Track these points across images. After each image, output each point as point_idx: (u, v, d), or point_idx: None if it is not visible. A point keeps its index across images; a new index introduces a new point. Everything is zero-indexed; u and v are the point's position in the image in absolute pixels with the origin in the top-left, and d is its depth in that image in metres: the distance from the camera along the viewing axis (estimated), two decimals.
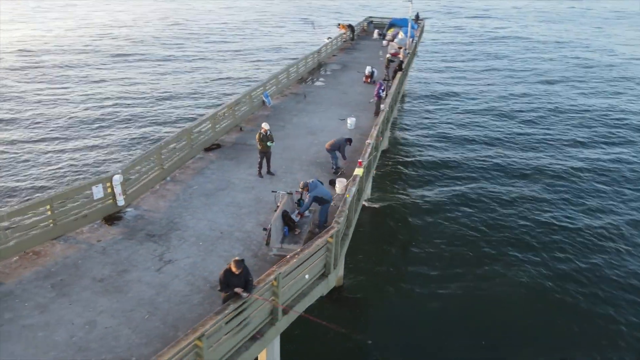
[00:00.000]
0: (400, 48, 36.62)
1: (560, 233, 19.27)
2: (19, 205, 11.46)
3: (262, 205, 14.02)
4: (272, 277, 9.13)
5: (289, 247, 11.48)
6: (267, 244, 11.88)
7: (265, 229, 12.34)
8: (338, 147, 16.00)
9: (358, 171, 13.82)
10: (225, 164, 16.84)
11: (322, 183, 12.81)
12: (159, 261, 11.42)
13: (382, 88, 22.22)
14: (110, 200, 13.18)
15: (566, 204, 21.64)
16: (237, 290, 8.49)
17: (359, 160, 14.37)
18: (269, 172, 15.97)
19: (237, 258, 8.51)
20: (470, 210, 20.89)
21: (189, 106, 33.37)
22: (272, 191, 13.84)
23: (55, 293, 10.26)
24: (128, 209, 13.58)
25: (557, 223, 19.99)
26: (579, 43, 61.09)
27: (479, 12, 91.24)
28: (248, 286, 8.60)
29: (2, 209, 11.68)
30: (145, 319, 9.61)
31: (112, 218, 13.09)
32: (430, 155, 26.74)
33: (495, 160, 26.01)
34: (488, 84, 41.89)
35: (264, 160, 15.79)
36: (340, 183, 14.77)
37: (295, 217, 12.35)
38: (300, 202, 13.07)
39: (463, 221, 20.07)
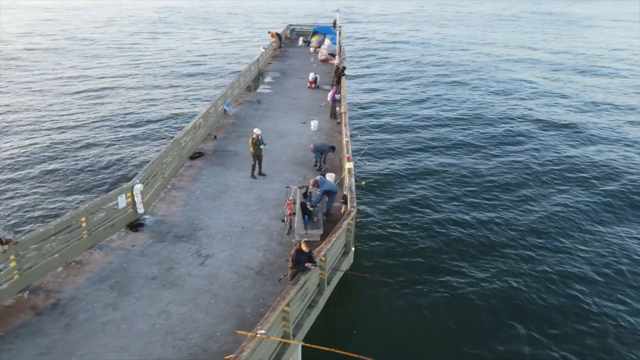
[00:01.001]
0: (330, 54, 39.49)
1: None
2: (61, 218, 12.13)
3: (267, 203, 15.71)
4: (322, 252, 11.07)
5: (312, 232, 13.42)
6: (288, 233, 13.72)
7: (283, 220, 14.17)
8: (322, 150, 18.09)
9: (349, 164, 16.04)
10: (215, 169, 18.18)
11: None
12: (198, 257, 12.76)
13: (337, 92, 24.60)
14: (131, 209, 14.12)
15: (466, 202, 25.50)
16: (308, 264, 10.35)
17: (347, 156, 16.62)
18: (260, 173, 17.63)
19: (305, 239, 10.37)
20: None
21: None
22: (286, 187, 15.61)
23: (117, 293, 11.27)
24: (146, 216, 14.57)
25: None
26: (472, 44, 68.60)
27: (377, 18, 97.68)
28: (312, 260, 10.48)
29: (49, 222, 12.23)
30: (211, 303, 11.05)
31: (135, 225, 14.05)
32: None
33: (407, 164, 29.30)
34: (401, 88, 46.04)
35: (256, 163, 17.42)
36: (330, 177, 16.89)
37: (308, 207, 14.27)
38: (309, 195, 15.00)
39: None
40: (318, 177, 14.68)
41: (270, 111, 25.53)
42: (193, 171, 17.94)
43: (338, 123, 23.79)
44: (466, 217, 19.86)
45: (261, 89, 30.17)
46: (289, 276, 10.66)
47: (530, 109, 35.49)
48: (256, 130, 17.29)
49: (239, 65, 46.62)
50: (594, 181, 23.44)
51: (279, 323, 9.29)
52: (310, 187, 14.82)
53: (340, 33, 47.24)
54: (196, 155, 19.31)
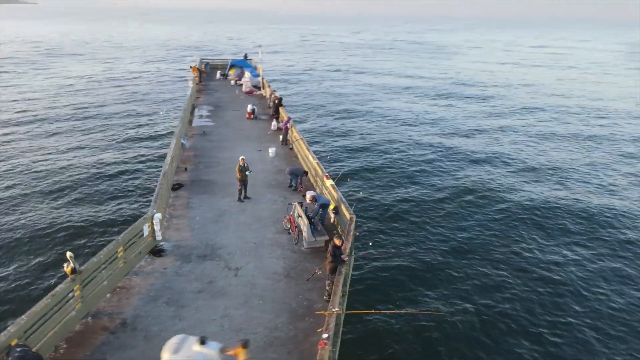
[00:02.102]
0: (254, 86, 42.13)
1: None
2: (107, 247, 13.18)
3: (265, 221, 17.80)
4: (347, 249, 13.66)
5: (319, 239, 15.88)
6: (297, 243, 16.04)
7: (289, 233, 16.48)
8: (297, 174, 20.60)
9: (329, 182, 18.80)
10: (202, 197, 19.74)
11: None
12: (229, 270, 14.54)
13: (289, 120, 27.25)
14: (151, 237, 15.39)
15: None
16: (343, 257, 12.83)
17: (326, 174, 19.38)
18: (245, 196, 19.61)
19: (336, 238, 12.87)
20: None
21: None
22: (289, 203, 17.81)
23: (174, 307, 12.72)
24: (162, 243, 15.88)
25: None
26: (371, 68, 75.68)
27: (269, 48, 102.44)
28: (342, 254, 12.99)
29: (99, 253, 13.12)
30: (261, 304, 12.99)
31: (157, 251, 15.34)
32: None
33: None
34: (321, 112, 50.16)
35: (243, 188, 19.40)
36: (309, 194, 19.44)
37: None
38: (304, 209, 17.43)
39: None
40: (314, 194, 17.23)
41: (223, 142, 27.35)
42: (182, 200, 19.33)
43: (290, 149, 26.46)
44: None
45: (202, 121, 31.71)
46: (328, 270, 13.01)
47: (417, 134, 41.34)
48: (242, 158, 19.33)
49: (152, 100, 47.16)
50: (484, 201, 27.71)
51: (338, 301, 11.64)
52: (308, 201, 17.29)
53: (256, 67, 49.96)
54: (177, 187, 20.65)
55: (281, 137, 27.48)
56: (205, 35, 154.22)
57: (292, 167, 20.93)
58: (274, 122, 30.16)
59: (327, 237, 15.96)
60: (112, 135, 36.96)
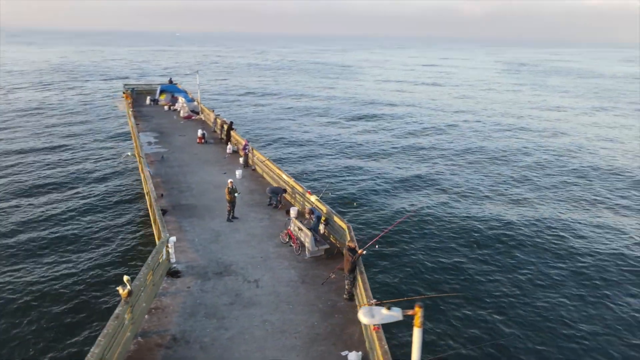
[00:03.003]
0: (192, 111, 42.67)
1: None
2: (142, 271, 13.84)
3: (260, 237, 19.19)
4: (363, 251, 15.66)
5: (321, 248, 17.69)
6: (300, 253, 17.72)
7: (291, 245, 18.09)
8: (277, 192, 22.19)
9: (313, 197, 20.69)
10: (191, 220, 20.57)
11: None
12: (249, 283, 15.81)
13: (248, 144, 28.62)
14: (166, 260, 16.16)
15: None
16: (360, 251, 14.75)
17: (308, 191, 21.25)
18: (234, 217, 20.81)
19: (350, 241, 14.83)
20: None
21: None
22: (287, 218, 19.29)
23: (215, 319, 13.79)
24: (174, 264, 16.66)
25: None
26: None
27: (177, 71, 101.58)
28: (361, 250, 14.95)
29: (138, 277, 13.64)
30: (292, 308, 14.50)
31: (173, 273, 16.13)
32: None
33: None
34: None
35: (232, 208, 20.60)
36: (293, 210, 21.18)
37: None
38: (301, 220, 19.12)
39: None
40: (311, 207, 19.04)
41: (184, 167, 27.99)
42: (173, 225, 20.00)
43: (253, 170, 27.88)
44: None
45: (153, 148, 31.84)
46: (347, 271, 14.84)
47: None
48: (230, 181, 20.57)
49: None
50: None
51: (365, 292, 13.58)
52: (307, 215, 19.03)
53: (187, 92, 50.07)
54: (163, 213, 21.18)
55: (241, 159, 28.75)
56: (112, 60, 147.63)
57: (272, 187, 22.49)
58: (229, 146, 31.30)
59: (327, 246, 17.83)
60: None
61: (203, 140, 33.52)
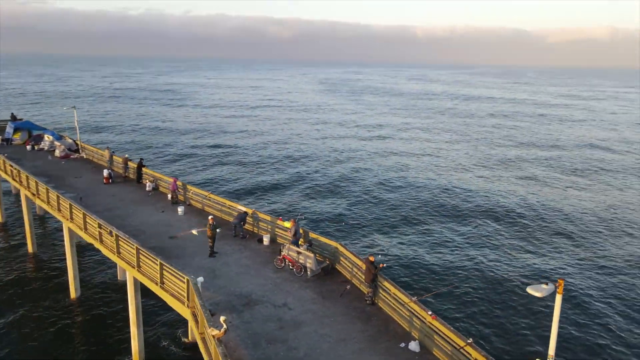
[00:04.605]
0: (69, 149, 39.21)
1: None
2: (201, 311, 14.21)
3: (252, 266, 20.23)
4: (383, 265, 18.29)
5: (321, 266, 19.74)
6: (302, 275, 19.50)
7: (292, 268, 19.72)
8: (241, 218, 23.19)
9: (286, 224, 22.42)
10: (175, 262, 20.24)
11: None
12: (279, 307, 17.03)
13: (176, 180, 28.32)
14: None
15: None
16: (381, 265, 17.42)
17: (279, 217, 22.86)
18: (215, 252, 21.27)
19: (370, 255, 17.44)
20: None
21: None
22: (282, 245, 20.46)
23: (279, 343, 14.94)
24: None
25: None
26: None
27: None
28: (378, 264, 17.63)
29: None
30: (333, 320, 16.35)
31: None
32: None
33: None
34: None
35: (213, 244, 21.07)
36: (266, 238, 22.60)
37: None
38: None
39: None
40: (294, 231, 20.80)
41: (114, 210, 26.53)
42: None
43: (189, 205, 27.89)
44: None
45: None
46: (368, 280, 17.33)
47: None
48: (211, 217, 21.05)
49: None
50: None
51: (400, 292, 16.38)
52: (290, 236, 20.63)
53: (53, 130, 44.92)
54: None
55: (169, 196, 28.39)
56: None
57: (236, 215, 23.33)
58: (148, 184, 30.34)
59: (326, 264, 19.97)
60: None
61: (110, 180, 31.61)
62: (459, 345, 13.54)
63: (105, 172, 31.74)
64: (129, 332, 21.43)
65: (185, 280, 16.64)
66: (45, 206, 27.40)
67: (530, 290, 9.70)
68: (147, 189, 30.16)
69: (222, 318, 12.99)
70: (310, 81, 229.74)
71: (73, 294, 26.90)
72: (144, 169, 31.89)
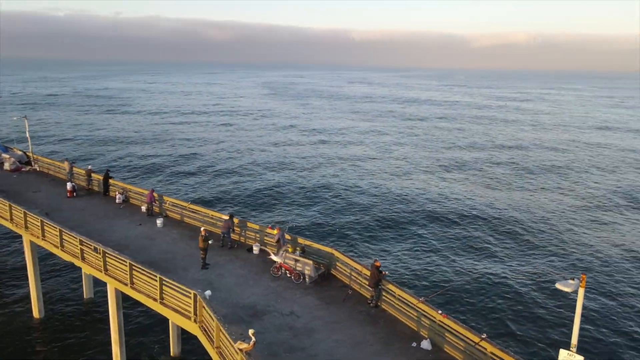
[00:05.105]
0: (20, 162, 36.87)
1: None
2: (218, 326, 14.03)
3: (250, 275, 20.09)
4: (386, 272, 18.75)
5: (319, 273, 19.95)
6: (301, 282, 19.65)
7: (290, 276, 19.79)
8: (228, 226, 22.90)
9: (274, 231, 22.43)
10: (169, 275, 19.75)
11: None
12: (288, 316, 17.09)
13: (153, 191, 27.41)
14: None
15: None
16: (384, 272, 17.91)
17: (269, 226, 22.81)
18: (207, 263, 20.91)
19: (376, 261, 17.91)
20: None
21: None
22: (280, 252, 20.36)
23: (297, 351, 15.03)
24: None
25: None
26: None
27: None
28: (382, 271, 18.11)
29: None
30: (346, 324, 16.63)
31: None
32: None
33: None
34: None
35: (205, 255, 20.71)
36: (256, 247, 22.50)
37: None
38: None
39: None
40: (279, 238, 20.89)
41: (86, 226, 25.16)
42: None
43: (165, 217, 27.06)
44: None
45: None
46: (372, 285, 17.77)
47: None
48: (203, 229, 20.66)
49: None
50: None
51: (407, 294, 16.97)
52: (275, 242, 20.69)
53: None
54: None
55: (144, 207, 27.47)
56: None
57: (223, 224, 23.01)
58: (118, 195, 29.14)
59: (322, 270, 20.21)
60: None
61: (74, 194, 30.03)
62: (473, 342, 14.26)
63: (69, 185, 30.08)
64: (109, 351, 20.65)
65: (191, 295, 16.33)
66: (8, 224, 25.60)
67: (559, 285, 10.48)
68: (117, 201, 28.95)
69: (250, 331, 12.94)
70: (253, 85, 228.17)
71: (37, 314, 25.47)
72: (110, 180, 30.58)
